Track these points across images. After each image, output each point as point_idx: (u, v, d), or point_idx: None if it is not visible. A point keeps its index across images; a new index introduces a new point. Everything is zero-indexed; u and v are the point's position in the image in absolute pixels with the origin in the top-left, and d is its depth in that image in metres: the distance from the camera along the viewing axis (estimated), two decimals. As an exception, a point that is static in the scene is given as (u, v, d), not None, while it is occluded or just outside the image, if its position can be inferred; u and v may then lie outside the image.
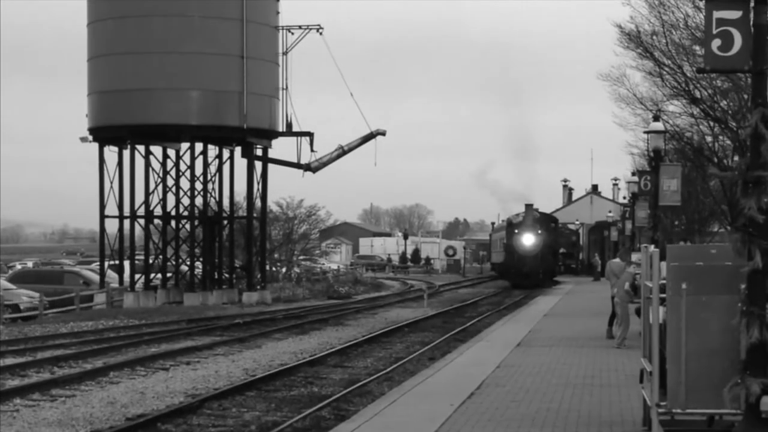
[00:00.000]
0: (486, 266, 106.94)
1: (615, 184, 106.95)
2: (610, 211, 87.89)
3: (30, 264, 77.07)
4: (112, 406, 18.43)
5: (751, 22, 10.53)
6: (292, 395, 19.98)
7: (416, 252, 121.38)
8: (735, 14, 10.57)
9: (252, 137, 49.98)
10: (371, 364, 25.50)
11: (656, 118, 31.53)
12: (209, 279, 51.01)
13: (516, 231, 70.64)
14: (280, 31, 51.85)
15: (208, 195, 51.56)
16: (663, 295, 11.54)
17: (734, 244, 10.60)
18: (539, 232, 69.88)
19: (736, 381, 10.54)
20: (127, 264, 50.11)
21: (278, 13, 51.75)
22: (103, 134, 49.70)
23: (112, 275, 49.92)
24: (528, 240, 69.60)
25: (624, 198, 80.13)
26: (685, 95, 40.04)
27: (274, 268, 66.96)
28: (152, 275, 50.37)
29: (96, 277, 48.97)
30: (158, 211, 51.20)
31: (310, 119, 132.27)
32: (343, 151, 53.41)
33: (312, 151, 52.61)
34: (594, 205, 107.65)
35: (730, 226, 40.18)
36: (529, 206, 72.38)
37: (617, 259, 28.62)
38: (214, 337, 31.74)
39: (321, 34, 52.15)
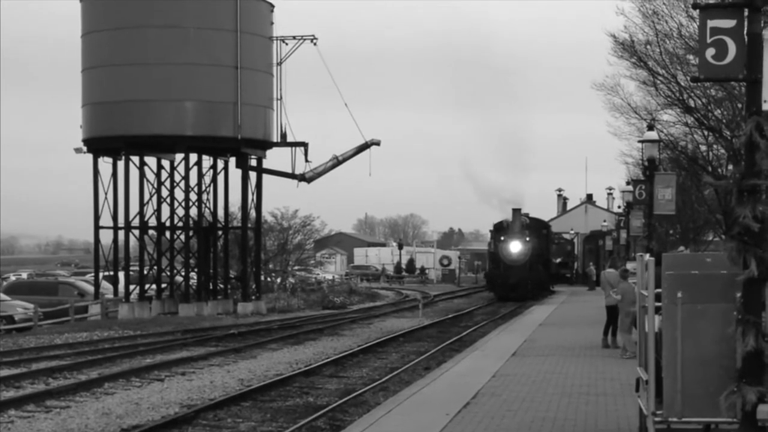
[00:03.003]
0: (481, 276, 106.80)
1: (610, 194, 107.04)
2: (604, 221, 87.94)
3: (24, 275, 76.91)
4: (107, 417, 18.40)
5: (745, 31, 10.54)
6: (287, 405, 19.96)
7: (411, 262, 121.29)
8: (729, 23, 10.58)
9: (246, 148, 49.98)
10: (367, 374, 25.48)
11: (650, 128, 31.56)
12: (204, 289, 50.95)
13: (502, 238, 64.06)
14: (275, 41, 51.92)
15: (203, 205, 51.51)
16: (659, 304, 11.56)
17: (729, 253, 10.60)
18: (527, 239, 63.38)
19: (732, 389, 10.54)
20: (121, 275, 50.06)
21: (272, 23, 51.80)
22: (97, 145, 49.70)
23: (106, 286, 49.86)
24: (515, 248, 63.05)
25: (619, 207, 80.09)
26: (680, 104, 40.06)
27: (269, 279, 66.91)
28: (147, 286, 50.28)
29: (90, 288, 48.89)
30: (153, 221, 51.12)
31: (305, 129, 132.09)
32: (337, 161, 53.42)
33: (306, 161, 52.67)
34: (589, 215, 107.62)
35: (725, 234, 40.20)
36: (516, 211, 64.92)
37: (612, 269, 28.68)
38: (209, 347, 31.72)
39: (315, 44, 52.29)
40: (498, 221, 67.76)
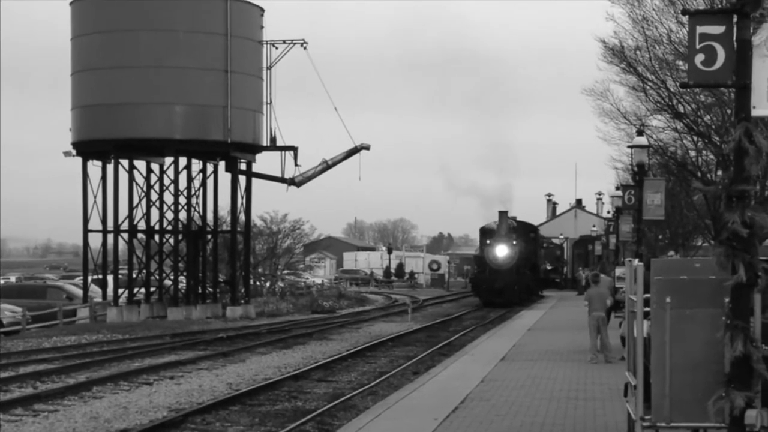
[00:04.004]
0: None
1: (599, 199, 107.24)
2: (594, 226, 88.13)
3: (13, 279, 76.73)
4: (95, 421, 18.36)
5: (734, 37, 10.56)
6: (276, 409, 19.94)
7: (400, 266, 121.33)
8: (718, 29, 10.58)
9: (236, 151, 49.95)
10: (355, 378, 25.47)
11: (640, 133, 31.61)
12: (193, 293, 50.89)
13: (488, 241, 62.69)
14: (265, 45, 51.90)
15: (192, 209, 51.47)
16: (647, 309, 11.57)
17: (718, 258, 10.59)
18: (514, 242, 62.03)
19: (721, 394, 10.54)
20: (110, 278, 49.98)
21: (262, 27, 51.79)
22: (86, 148, 49.61)
23: (95, 290, 49.75)
24: (501, 251, 61.66)
25: (608, 212, 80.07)
26: (669, 110, 40.10)
27: (258, 283, 66.88)
28: (136, 290, 50.22)
29: (79, 292, 48.77)
30: (142, 225, 51.09)
31: (295, 133, 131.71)
32: (327, 166, 53.41)
33: (296, 165, 52.63)
34: (578, 220, 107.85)
35: (714, 240, 40.27)
36: (503, 213, 63.35)
37: (603, 275, 28.78)
38: (197, 351, 31.68)
39: (305, 48, 52.25)
40: (484, 224, 66.49)
